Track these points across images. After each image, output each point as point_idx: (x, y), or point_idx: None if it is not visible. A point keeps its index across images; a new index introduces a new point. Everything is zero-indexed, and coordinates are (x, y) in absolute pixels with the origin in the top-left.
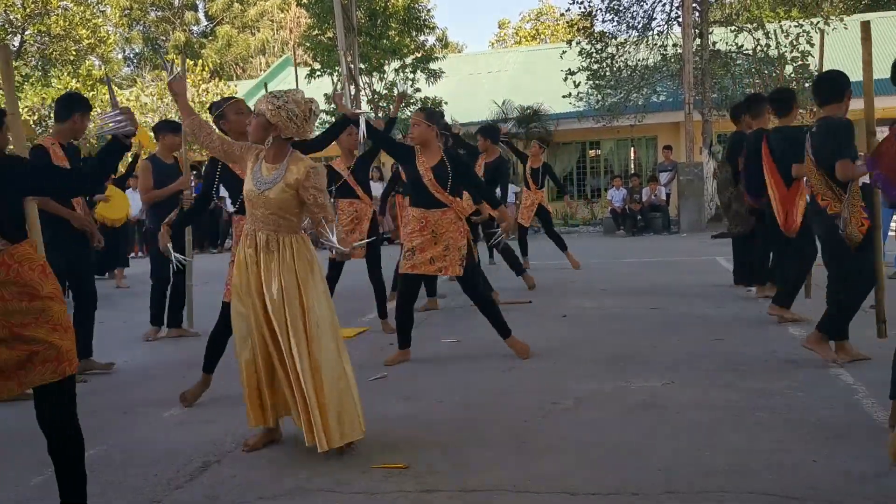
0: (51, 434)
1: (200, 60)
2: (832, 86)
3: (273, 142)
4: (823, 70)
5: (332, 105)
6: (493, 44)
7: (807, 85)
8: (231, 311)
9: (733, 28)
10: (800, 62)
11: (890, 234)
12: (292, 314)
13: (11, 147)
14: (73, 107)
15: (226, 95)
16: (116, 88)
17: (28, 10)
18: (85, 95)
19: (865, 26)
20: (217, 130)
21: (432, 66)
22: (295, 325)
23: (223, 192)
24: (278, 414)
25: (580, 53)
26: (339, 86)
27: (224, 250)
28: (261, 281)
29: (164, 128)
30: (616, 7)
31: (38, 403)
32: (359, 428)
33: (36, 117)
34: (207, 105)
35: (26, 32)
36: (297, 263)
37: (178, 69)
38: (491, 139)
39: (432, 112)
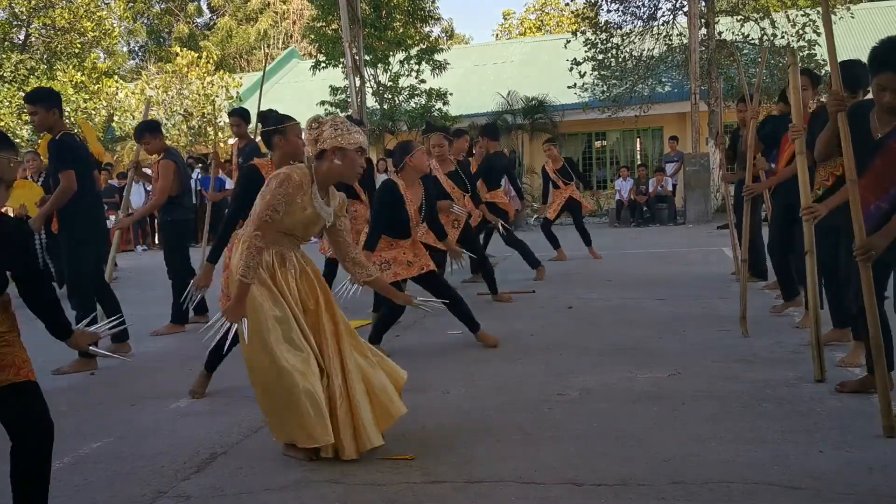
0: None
1: (205, 53)
2: None
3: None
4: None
5: (337, 97)
6: (497, 34)
7: None
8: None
9: (739, 17)
10: (806, 51)
11: None
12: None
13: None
14: None
15: (230, 88)
16: (121, 82)
17: (33, 2)
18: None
19: None
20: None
21: (437, 57)
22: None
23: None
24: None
25: (585, 44)
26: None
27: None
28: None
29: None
30: None
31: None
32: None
33: None
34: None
35: (31, 25)
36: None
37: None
38: (489, 137)
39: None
